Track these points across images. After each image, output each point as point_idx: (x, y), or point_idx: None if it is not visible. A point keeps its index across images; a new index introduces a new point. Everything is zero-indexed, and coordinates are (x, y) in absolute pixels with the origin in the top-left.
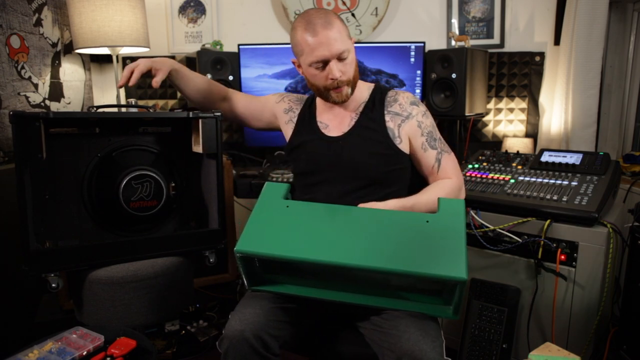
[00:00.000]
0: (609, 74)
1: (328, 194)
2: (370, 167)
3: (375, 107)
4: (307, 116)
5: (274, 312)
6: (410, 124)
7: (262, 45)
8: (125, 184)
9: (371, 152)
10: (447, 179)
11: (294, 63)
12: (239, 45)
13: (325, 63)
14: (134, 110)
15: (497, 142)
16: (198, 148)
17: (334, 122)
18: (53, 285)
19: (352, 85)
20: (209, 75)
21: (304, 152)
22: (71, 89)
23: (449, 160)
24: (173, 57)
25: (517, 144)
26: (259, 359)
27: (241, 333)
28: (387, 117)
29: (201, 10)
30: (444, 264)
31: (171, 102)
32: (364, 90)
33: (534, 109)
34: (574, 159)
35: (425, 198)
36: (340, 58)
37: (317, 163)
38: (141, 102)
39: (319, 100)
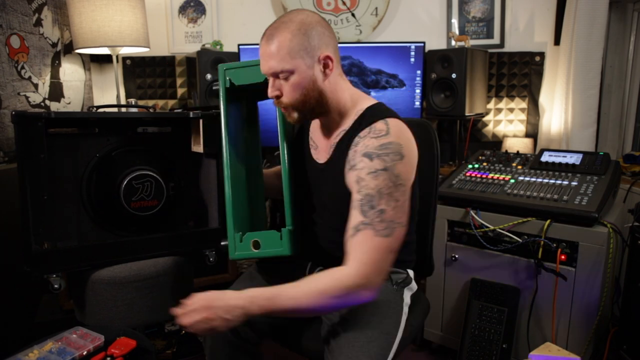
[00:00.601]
0: (609, 74)
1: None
2: (336, 207)
3: (347, 142)
4: (303, 128)
5: None
6: (351, 175)
7: None
8: (126, 183)
9: (336, 192)
10: (342, 268)
11: None
12: (239, 45)
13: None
14: (134, 110)
15: (497, 142)
16: (198, 148)
17: (322, 143)
18: (55, 286)
19: (306, 111)
20: (208, 76)
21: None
22: (71, 89)
23: (369, 242)
24: (173, 57)
25: (517, 144)
26: (239, 350)
27: None
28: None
29: (201, 10)
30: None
31: (171, 102)
32: (351, 114)
33: (534, 109)
34: (574, 159)
35: (295, 289)
36: (277, 77)
37: (299, 185)
38: (141, 102)
39: None
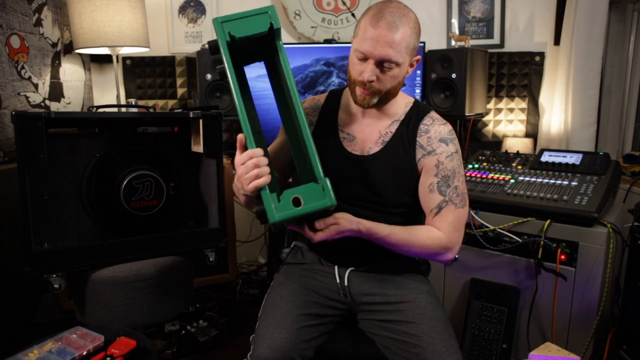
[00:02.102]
0: (609, 74)
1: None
2: (392, 195)
3: (409, 131)
4: (328, 120)
5: (300, 333)
6: (429, 160)
7: None
8: (126, 183)
9: (395, 180)
10: (437, 230)
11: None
12: None
13: (366, 58)
14: (134, 110)
15: (497, 142)
16: (198, 148)
17: (362, 135)
18: (55, 286)
19: (382, 98)
20: (209, 76)
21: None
22: (71, 89)
23: (452, 214)
24: (173, 57)
25: (517, 144)
26: None
27: None
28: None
29: (201, 10)
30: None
31: (171, 102)
32: (400, 104)
33: (533, 109)
34: (574, 159)
35: (406, 235)
36: (381, 64)
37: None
38: (141, 102)
39: (345, 102)
